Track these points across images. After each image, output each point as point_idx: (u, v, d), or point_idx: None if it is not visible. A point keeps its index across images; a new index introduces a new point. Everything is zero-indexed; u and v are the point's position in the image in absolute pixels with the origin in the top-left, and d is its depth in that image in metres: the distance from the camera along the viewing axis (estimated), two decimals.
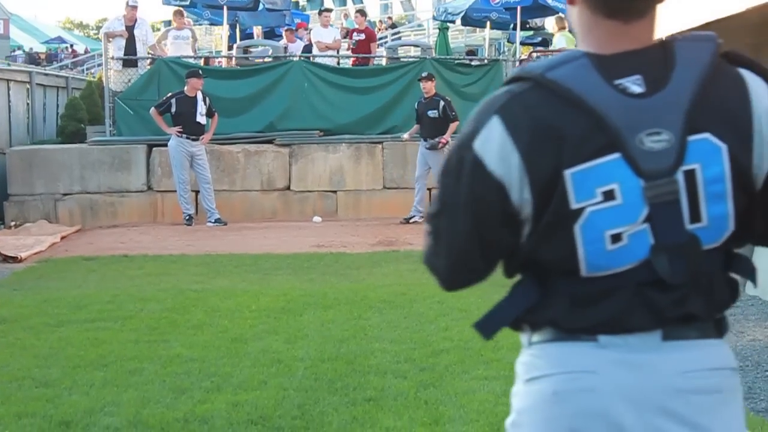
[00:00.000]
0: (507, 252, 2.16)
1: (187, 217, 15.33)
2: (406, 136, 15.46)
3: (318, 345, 7.56)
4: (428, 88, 14.78)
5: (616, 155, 1.99)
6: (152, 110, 15.25)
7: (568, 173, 2.00)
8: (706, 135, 2.00)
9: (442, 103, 14.71)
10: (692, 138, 2.00)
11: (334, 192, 16.39)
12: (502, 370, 6.73)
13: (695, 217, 2.02)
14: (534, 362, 2.17)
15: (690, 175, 2.00)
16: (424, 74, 15.17)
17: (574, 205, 2.01)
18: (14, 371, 6.93)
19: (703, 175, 2.00)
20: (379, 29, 30.79)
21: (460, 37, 34.45)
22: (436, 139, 14.60)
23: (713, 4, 9.93)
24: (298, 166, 16.34)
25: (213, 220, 15.25)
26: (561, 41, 18.63)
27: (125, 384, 6.53)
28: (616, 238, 2.02)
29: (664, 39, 2.09)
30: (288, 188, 16.38)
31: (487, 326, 2.27)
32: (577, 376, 2.08)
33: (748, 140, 2.04)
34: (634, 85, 2.01)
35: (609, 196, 2.00)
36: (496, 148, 2.04)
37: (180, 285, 10.27)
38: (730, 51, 2.12)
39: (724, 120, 2.02)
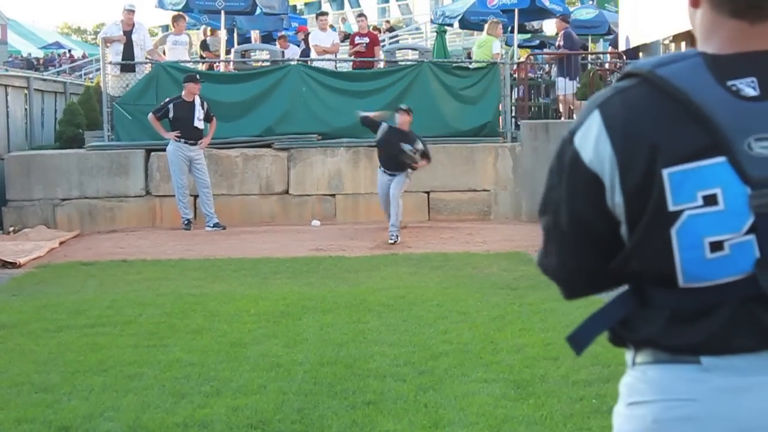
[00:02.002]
0: (618, 250, 2.05)
1: (186, 222, 15.33)
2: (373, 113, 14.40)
3: (317, 349, 7.56)
4: (406, 122, 13.84)
5: (721, 159, 1.89)
6: (150, 116, 15.25)
7: (665, 172, 1.91)
8: None
9: (420, 143, 13.75)
10: None
11: (333, 196, 16.39)
12: (501, 372, 6.74)
13: None
14: (636, 385, 2.07)
15: None
16: (404, 107, 14.15)
17: (672, 207, 1.91)
18: (13, 377, 6.92)
19: None
20: (380, 32, 30.80)
21: (457, 40, 34.55)
22: (411, 159, 13.67)
23: None
24: (297, 170, 16.34)
25: (212, 225, 15.24)
26: (496, 46, 18.68)
27: (125, 389, 6.53)
28: (716, 246, 1.91)
29: None
30: (287, 192, 16.38)
31: (578, 339, 2.18)
32: (677, 404, 1.99)
33: None
34: (747, 87, 1.92)
35: (710, 200, 1.89)
36: (592, 142, 1.99)
37: (179, 290, 10.27)
38: None
39: None
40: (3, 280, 11.36)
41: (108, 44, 17.68)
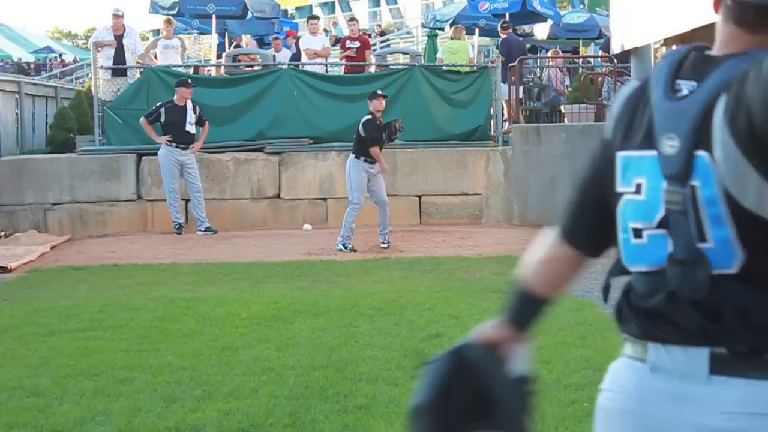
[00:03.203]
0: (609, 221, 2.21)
1: (177, 226, 15.31)
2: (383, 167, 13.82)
3: (309, 353, 7.56)
4: (383, 107, 13.63)
5: (653, 152, 2.04)
6: (142, 120, 15.24)
7: (618, 155, 2.12)
8: (704, 153, 1.97)
9: (395, 124, 13.55)
10: (698, 152, 1.97)
11: (324, 200, 16.38)
12: None
13: (701, 236, 1.98)
14: (606, 375, 2.25)
15: (693, 191, 1.98)
16: (379, 92, 13.86)
17: (618, 188, 2.12)
18: (4, 381, 6.91)
19: (703, 194, 1.97)
20: (370, 37, 30.81)
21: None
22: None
23: (702, 10, 9.96)
24: (288, 174, 16.33)
25: (203, 229, 15.23)
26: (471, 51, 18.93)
27: (116, 393, 6.52)
28: (636, 233, 2.07)
29: (757, 49, 2.01)
30: (278, 196, 16.37)
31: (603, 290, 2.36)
32: (615, 395, 2.16)
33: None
34: (685, 88, 2.04)
35: (638, 189, 2.06)
36: (612, 117, 2.22)
37: (170, 294, 10.26)
38: None
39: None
40: None
41: (99, 49, 17.66)
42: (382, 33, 36.70)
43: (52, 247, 14.35)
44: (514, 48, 18.79)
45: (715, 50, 2.07)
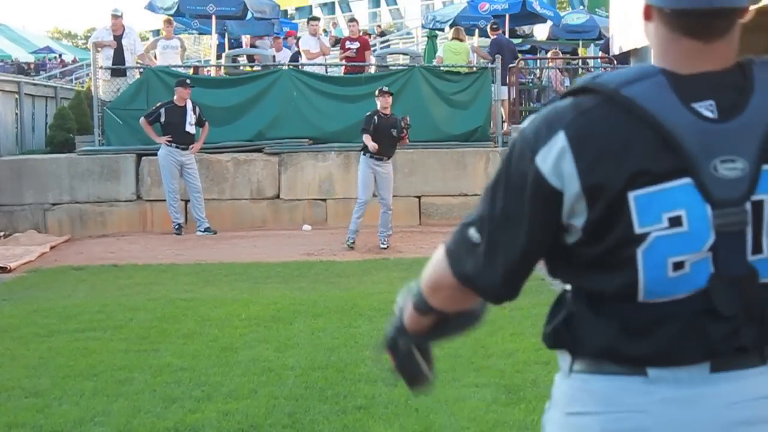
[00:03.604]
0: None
1: (177, 227, 15.30)
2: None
3: (308, 353, 7.56)
4: (389, 104, 13.79)
5: (686, 180, 1.93)
6: (142, 120, 15.23)
7: (631, 195, 1.94)
8: None
9: (402, 122, 13.67)
10: (766, 167, 1.95)
11: (324, 200, 16.38)
12: (492, 377, 6.74)
13: (758, 248, 1.97)
14: (576, 395, 2.11)
15: (757, 206, 1.95)
16: (385, 89, 14.07)
17: (638, 230, 1.94)
18: (4, 381, 6.92)
19: None
20: (370, 37, 30.85)
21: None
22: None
23: None
24: (288, 175, 16.33)
25: (202, 229, 15.22)
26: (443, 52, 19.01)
27: (115, 394, 6.53)
28: (678, 265, 1.96)
29: (741, 61, 2.03)
30: (277, 197, 16.37)
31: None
32: (627, 415, 2.03)
33: None
34: (706, 110, 1.95)
35: (676, 222, 1.93)
36: (557, 163, 1.98)
37: (170, 294, 10.26)
38: None
39: None
40: None
41: (99, 49, 17.66)
42: (382, 34, 36.71)
43: (52, 248, 14.35)
44: (504, 49, 18.83)
45: (676, 67, 2.00)
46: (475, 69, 17.98)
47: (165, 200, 15.36)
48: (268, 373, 6.98)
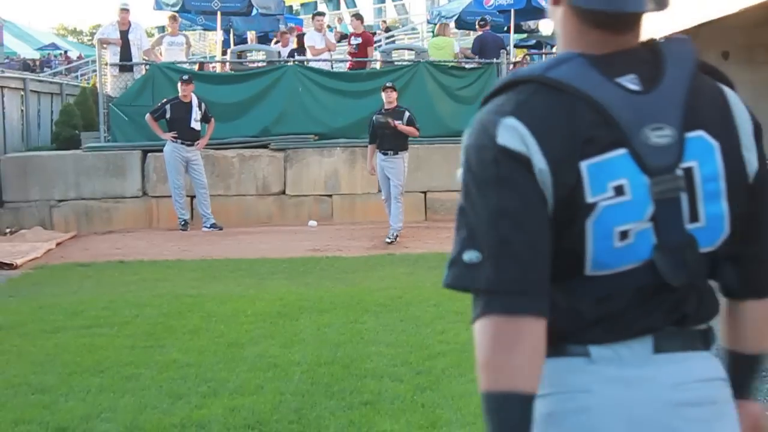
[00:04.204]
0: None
1: (183, 223, 15.32)
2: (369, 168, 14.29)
3: (314, 349, 7.56)
4: (392, 98, 13.97)
5: (623, 150, 1.97)
6: (147, 116, 15.23)
7: (584, 165, 1.96)
8: (701, 132, 2.01)
9: (407, 114, 13.83)
10: (689, 135, 2.00)
11: (330, 196, 16.39)
12: None
13: (694, 216, 2.01)
14: None
15: (689, 173, 2.00)
16: (388, 84, 14.29)
17: (590, 200, 1.97)
18: (10, 378, 6.92)
19: (701, 172, 2.00)
20: (374, 35, 30.84)
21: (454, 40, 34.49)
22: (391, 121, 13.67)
23: (705, 6, 9.95)
24: (293, 171, 16.34)
25: (208, 226, 15.24)
26: (456, 46, 19.16)
27: (122, 390, 6.53)
28: (623, 235, 1.98)
29: (646, 41, 2.09)
30: (283, 193, 16.37)
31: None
32: (571, 396, 2.04)
33: (737, 141, 2.06)
34: (631, 83, 2.00)
35: (619, 191, 1.96)
36: (520, 137, 1.96)
37: (176, 290, 10.26)
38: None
39: (714, 119, 2.04)
40: (0, 281, 11.35)
41: (104, 46, 17.66)
42: (388, 29, 36.67)
43: (58, 244, 14.37)
44: (487, 45, 18.83)
45: (594, 51, 2.03)
46: (480, 64, 17.96)
47: (171, 196, 15.38)
48: (274, 368, 6.98)
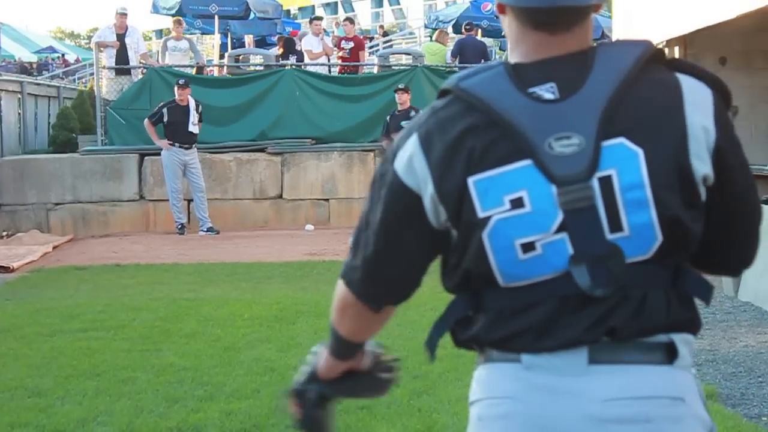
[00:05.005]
0: (425, 264, 2.23)
1: (180, 226, 15.32)
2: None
3: None
4: (404, 100, 14.39)
5: (526, 162, 1.94)
6: (146, 121, 15.22)
7: (471, 181, 1.97)
8: (622, 139, 1.94)
9: (413, 114, 13.89)
10: (607, 143, 1.94)
11: (327, 200, 16.40)
12: None
13: (616, 226, 1.94)
14: (473, 385, 2.14)
15: (606, 182, 1.93)
16: (401, 86, 14.78)
17: (481, 214, 1.97)
18: (7, 381, 6.91)
19: (620, 180, 1.93)
20: (370, 40, 30.83)
21: (451, 45, 34.53)
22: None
23: (703, 12, 9.96)
24: (290, 175, 16.35)
25: (205, 229, 15.24)
26: (448, 55, 19.53)
27: (118, 393, 6.52)
28: (527, 247, 1.95)
29: (593, 46, 2.05)
30: (280, 196, 16.38)
31: (429, 345, 2.32)
32: (498, 401, 2.04)
33: (682, 145, 1.97)
34: (547, 92, 1.97)
35: (517, 203, 1.94)
36: (410, 164, 2.05)
37: (172, 294, 10.26)
38: (673, 58, 2.10)
39: (644, 125, 1.96)
40: None
41: (101, 49, 17.65)
42: (385, 33, 36.71)
43: (54, 247, 14.37)
44: (467, 50, 18.92)
45: (524, 57, 2.04)
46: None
47: (168, 200, 15.37)
48: (271, 372, 6.97)
